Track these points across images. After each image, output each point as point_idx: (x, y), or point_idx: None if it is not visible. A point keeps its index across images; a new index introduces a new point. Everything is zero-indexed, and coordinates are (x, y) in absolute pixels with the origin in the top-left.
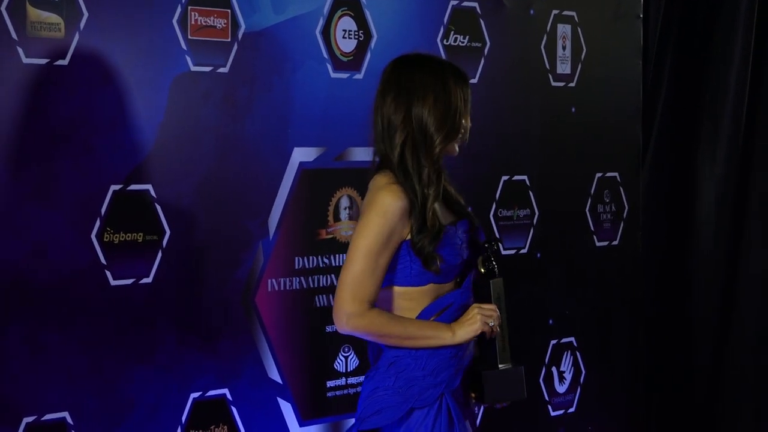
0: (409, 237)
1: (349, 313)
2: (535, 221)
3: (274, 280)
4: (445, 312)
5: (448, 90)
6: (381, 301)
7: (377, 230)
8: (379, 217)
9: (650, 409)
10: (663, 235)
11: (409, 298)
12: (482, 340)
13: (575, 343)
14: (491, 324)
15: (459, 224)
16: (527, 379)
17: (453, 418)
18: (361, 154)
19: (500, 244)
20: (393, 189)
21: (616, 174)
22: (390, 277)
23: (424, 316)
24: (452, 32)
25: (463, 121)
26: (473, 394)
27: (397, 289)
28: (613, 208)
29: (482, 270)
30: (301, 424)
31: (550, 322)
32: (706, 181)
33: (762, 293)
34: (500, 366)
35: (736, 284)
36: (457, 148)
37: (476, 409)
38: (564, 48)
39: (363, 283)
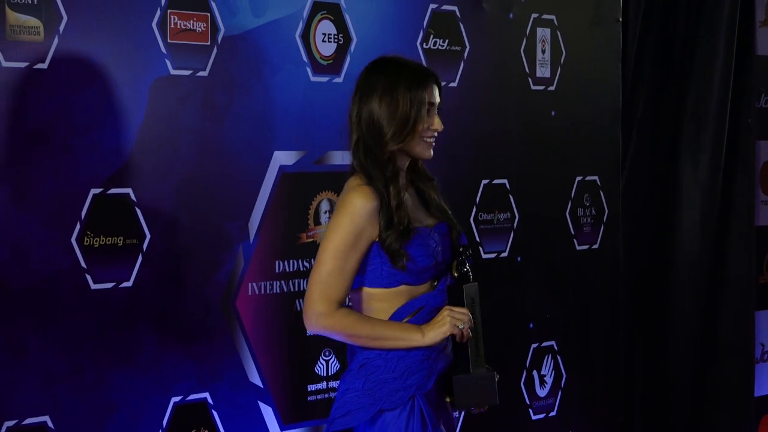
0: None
1: (318, 312)
2: (515, 225)
3: (254, 284)
4: (418, 314)
5: (396, 92)
6: (354, 303)
7: (345, 231)
8: (347, 217)
9: (632, 414)
10: (645, 239)
11: (381, 300)
12: (456, 344)
13: (556, 347)
14: (461, 327)
15: (436, 227)
16: (507, 384)
17: (426, 421)
18: (341, 157)
19: (480, 248)
20: (362, 190)
21: (596, 177)
22: (360, 278)
23: (396, 317)
24: (432, 36)
25: (419, 123)
26: (448, 399)
27: (367, 290)
28: (593, 211)
29: (455, 274)
30: (282, 428)
31: (531, 325)
32: (688, 186)
33: (741, 297)
34: (472, 371)
35: (719, 288)
36: (424, 151)
37: (455, 414)
38: (543, 52)
39: (331, 283)
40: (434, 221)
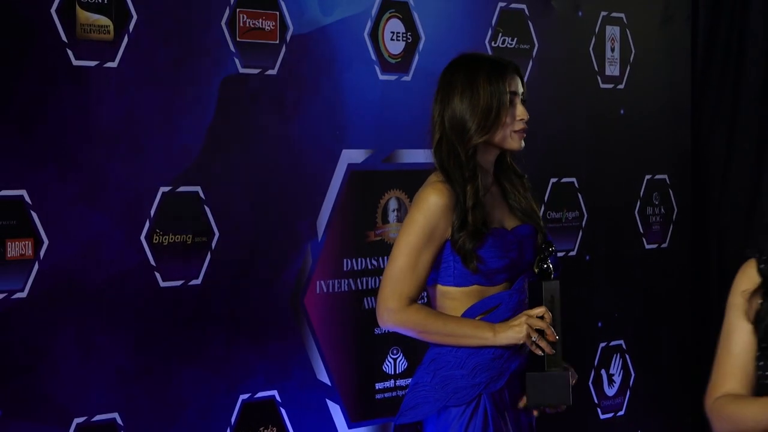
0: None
1: (390, 308)
2: (583, 223)
3: (322, 282)
4: (493, 312)
5: (476, 86)
6: (430, 299)
7: (418, 227)
8: (420, 213)
9: (700, 414)
10: (716, 238)
11: (453, 298)
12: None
13: (624, 346)
14: (534, 339)
15: (517, 228)
16: (576, 383)
17: (489, 421)
18: (410, 156)
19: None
20: (437, 187)
21: (665, 176)
22: (435, 275)
23: (468, 315)
24: (500, 34)
25: (503, 113)
26: (524, 397)
27: (441, 287)
28: (662, 210)
29: (536, 270)
30: (350, 425)
31: (599, 324)
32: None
33: None
34: (547, 369)
35: None
36: (513, 143)
37: (531, 416)
38: (613, 50)
39: (404, 279)
40: (516, 222)
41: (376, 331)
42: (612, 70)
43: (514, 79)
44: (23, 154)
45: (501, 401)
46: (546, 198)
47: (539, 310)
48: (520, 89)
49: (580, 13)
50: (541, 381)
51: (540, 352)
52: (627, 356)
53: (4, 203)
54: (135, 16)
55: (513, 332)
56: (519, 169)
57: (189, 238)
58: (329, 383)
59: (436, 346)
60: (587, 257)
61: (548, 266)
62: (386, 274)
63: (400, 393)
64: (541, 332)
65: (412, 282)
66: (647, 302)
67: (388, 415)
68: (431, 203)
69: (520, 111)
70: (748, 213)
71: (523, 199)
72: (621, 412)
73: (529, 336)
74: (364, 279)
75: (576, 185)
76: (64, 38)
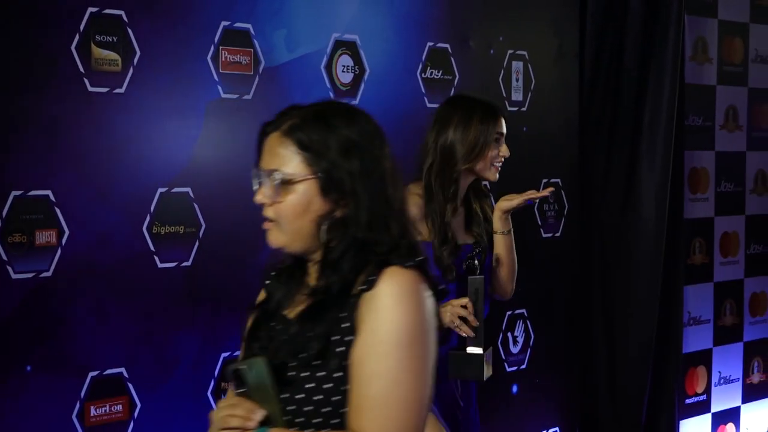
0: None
1: None
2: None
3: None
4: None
5: (470, 123)
6: None
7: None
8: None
9: (591, 365)
10: (598, 230)
11: None
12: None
13: (526, 314)
14: (456, 324)
15: (467, 246)
16: (488, 343)
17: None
18: None
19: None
20: (410, 198)
21: (558, 180)
22: None
23: None
24: (429, 67)
25: (487, 149)
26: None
27: None
28: (556, 207)
29: (464, 267)
30: None
31: None
32: (646, 186)
33: (675, 274)
34: (467, 350)
35: (664, 269)
36: (492, 174)
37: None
38: (517, 80)
39: None
40: (468, 240)
41: None
42: (517, 96)
43: (501, 121)
44: (49, 161)
45: (449, 398)
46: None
47: (463, 300)
48: (504, 130)
49: (492, 51)
50: (460, 359)
51: (464, 334)
52: (528, 322)
53: (33, 200)
54: (138, 52)
55: (444, 316)
56: (486, 189)
57: (181, 228)
58: None
59: None
60: None
61: (473, 264)
62: None
63: None
64: (464, 319)
65: None
66: (544, 280)
67: None
68: (410, 192)
69: (504, 149)
70: (622, 211)
71: (481, 222)
72: (523, 366)
73: (452, 321)
74: None
75: (488, 186)
76: (81, 69)
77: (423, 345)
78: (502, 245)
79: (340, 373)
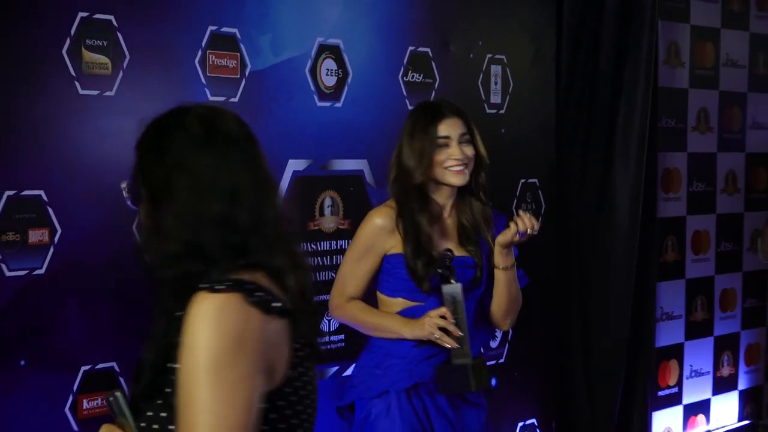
0: (391, 252)
1: (333, 304)
2: None
3: None
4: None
5: (414, 133)
6: (373, 303)
7: (360, 241)
8: (362, 230)
9: (569, 361)
10: (574, 227)
11: (385, 304)
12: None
13: None
14: (436, 336)
15: (457, 259)
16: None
17: (397, 414)
18: (341, 164)
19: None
20: (382, 210)
21: (536, 180)
22: (376, 282)
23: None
24: (410, 71)
25: (434, 156)
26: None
27: (378, 294)
28: (533, 206)
29: (438, 277)
30: None
31: None
32: (621, 186)
33: (648, 271)
34: (453, 362)
35: (639, 266)
36: (450, 178)
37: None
38: (496, 83)
39: (344, 281)
40: (461, 253)
41: (317, 298)
42: (495, 98)
43: (449, 122)
44: (41, 162)
45: (422, 398)
46: None
47: (441, 311)
48: (457, 132)
49: (471, 55)
50: (446, 372)
51: (447, 346)
52: None
53: (26, 200)
54: (128, 56)
55: (418, 329)
56: (483, 198)
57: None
58: None
59: (372, 338)
60: None
61: (446, 272)
62: (336, 276)
63: (332, 346)
64: (446, 330)
65: (352, 284)
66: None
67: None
68: (372, 223)
69: (452, 152)
70: (598, 209)
71: (471, 234)
72: (502, 360)
73: (432, 333)
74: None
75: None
76: (72, 73)
77: (234, 370)
78: (499, 280)
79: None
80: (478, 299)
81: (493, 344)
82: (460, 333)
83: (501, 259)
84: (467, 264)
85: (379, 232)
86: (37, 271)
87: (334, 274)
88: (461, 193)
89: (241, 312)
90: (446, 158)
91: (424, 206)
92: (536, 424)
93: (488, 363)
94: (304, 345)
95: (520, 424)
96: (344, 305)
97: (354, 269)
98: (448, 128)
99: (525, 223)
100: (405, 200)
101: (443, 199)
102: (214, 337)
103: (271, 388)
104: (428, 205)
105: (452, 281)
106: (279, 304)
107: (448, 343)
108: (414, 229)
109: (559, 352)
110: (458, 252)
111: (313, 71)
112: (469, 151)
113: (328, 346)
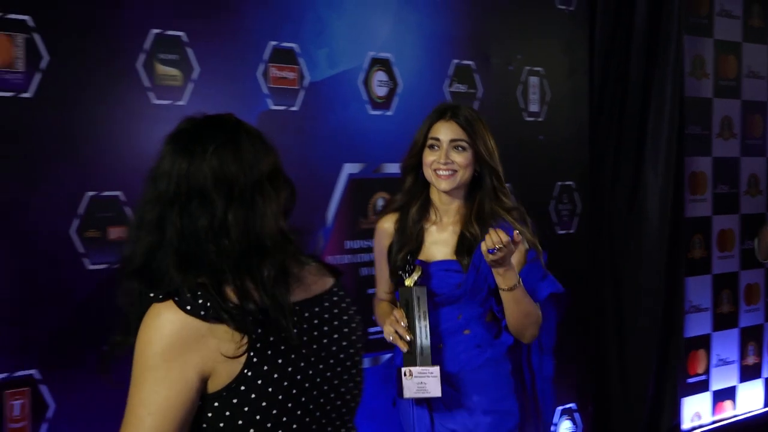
0: None
1: (376, 298)
2: None
3: (330, 256)
4: None
5: (420, 128)
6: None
7: (375, 245)
8: (374, 235)
9: (606, 349)
10: (607, 227)
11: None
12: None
13: None
14: (390, 338)
15: (436, 263)
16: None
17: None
18: (391, 168)
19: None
20: (387, 214)
21: (571, 182)
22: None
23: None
24: (455, 82)
25: (425, 155)
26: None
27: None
28: (569, 207)
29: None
30: None
31: None
32: (651, 188)
33: (676, 267)
34: (405, 365)
35: (674, 265)
36: (435, 181)
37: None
38: (534, 93)
39: (376, 283)
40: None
41: (368, 291)
42: (534, 107)
43: (445, 126)
44: (120, 166)
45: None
46: None
47: (398, 312)
48: (448, 136)
49: (511, 68)
50: (397, 376)
51: (403, 349)
52: None
53: (106, 200)
54: (198, 69)
55: (384, 328)
56: (510, 204)
57: None
58: None
59: None
60: None
61: (402, 275)
62: None
63: (371, 337)
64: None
65: (379, 285)
66: (559, 272)
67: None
68: (378, 228)
69: (437, 155)
70: (629, 209)
71: (467, 244)
72: None
73: (388, 333)
74: (359, 255)
75: (511, 189)
76: (146, 84)
77: (158, 374)
78: (504, 300)
79: None
80: (485, 310)
81: None
82: (408, 337)
83: (499, 280)
84: (451, 268)
85: (383, 235)
86: (116, 265)
87: None
88: (474, 199)
89: (174, 320)
90: (433, 161)
91: (420, 207)
92: (575, 407)
93: None
94: (271, 344)
95: (560, 408)
96: (375, 305)
97: (377, 272)
98: (441, 131)
99: (492, 238)
100: (407, 201)
101: (443, 203)
102: (143, 343)
103: (216, 389)
104: (426, 206)
105: (408, 283)
106: (220, 309)
107: (400, 346)
108: (402, 229)
109: (595, 342)
110: (451, 258)
111: (366, 82)
112: (458, 158)
113: (380, 335)
